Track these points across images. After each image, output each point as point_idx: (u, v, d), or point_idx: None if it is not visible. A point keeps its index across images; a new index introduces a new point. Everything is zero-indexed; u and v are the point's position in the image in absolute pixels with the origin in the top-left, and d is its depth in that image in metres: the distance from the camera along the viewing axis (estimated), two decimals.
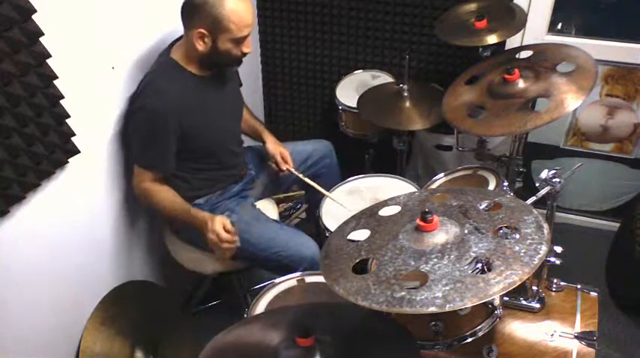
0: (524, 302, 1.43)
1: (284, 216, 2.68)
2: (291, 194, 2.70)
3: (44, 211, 1.55)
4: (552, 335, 1.37)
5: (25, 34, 1.34)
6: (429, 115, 2.12)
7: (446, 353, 1.32)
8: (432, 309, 0.95)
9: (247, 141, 2.13)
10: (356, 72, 2.63)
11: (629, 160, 2.46)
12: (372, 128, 2.36)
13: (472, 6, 2.07)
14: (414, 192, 1.37)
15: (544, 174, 1.32)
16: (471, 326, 1.23)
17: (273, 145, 2.09)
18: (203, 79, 1.77)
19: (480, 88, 1.74)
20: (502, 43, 2.17)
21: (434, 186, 1.98)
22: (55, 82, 1.46)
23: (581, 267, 2.00)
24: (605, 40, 2.24)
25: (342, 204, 1.93)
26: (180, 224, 1.90)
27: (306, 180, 2.09)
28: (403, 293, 0.99)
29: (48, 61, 1.42)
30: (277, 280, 1.66)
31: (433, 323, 1.20)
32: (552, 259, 1.37)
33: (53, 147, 1.49)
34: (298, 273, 1.69)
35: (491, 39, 1.88)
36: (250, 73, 2.76)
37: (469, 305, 0.95)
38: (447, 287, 0.97)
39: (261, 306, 1.58)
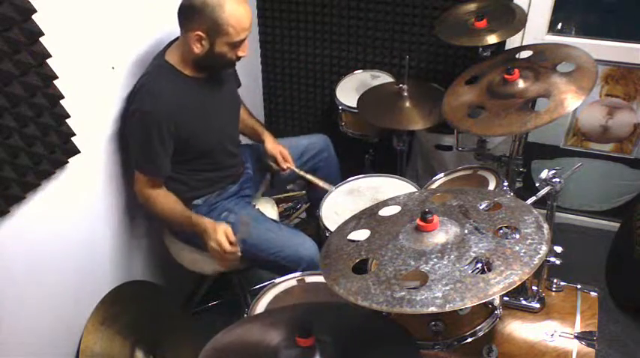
0: (524, 302, 1.43)
1: (284, 216, 2.68)
2: (291, 194, 2.70)
3: (44, 211, 1.55)
4: (552, 335, 1.37)
5: (25, 34, 1.34)
6: (429, 115, 2.12)
7: (446, 353, 1.32)
8: (432, 309, 0.95)
9: (244, 140, 2.13)
10: (356, 72, 2.63)
11: (629, 160, 2.46)
12: (372, 128, 2.36)
13: (472, 6, 2.07)
14: (414, 192, 1.37)
15: (544, 174, 1.32)
16: (471, 326, 1.23)
17: (272, 144, 2.09)
18: (198, 81, 1.77)
19: (480, 88, 1.74)
20: (502, 43, 2.17)
21: (434, 186, 1.98)
22: (55, 82, 1.46)
23: (581, 267, 2.00)
24: (605, 40, 2.24)
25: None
26: (182, 230, 1.91)
27: (308, 176, 2.09)
28: (403, 293, 0.99)
29: (48, 61, 1.42)
30: (277, 280, 1.66)
31: (433, 323, 1.20)
32: (552, 259, 1.37)
33: (53, 147, 1.49)
34: (298, 273, 1.69)
35: (491, 39, 1.88)
36: (250, 73, 2.76)
37: (469, 305, 0.95)
38: (447, 287, 0.97)
39: (261, 306, 1.58)
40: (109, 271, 1.90)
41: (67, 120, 1.52)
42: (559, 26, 2.31)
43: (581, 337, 1.35)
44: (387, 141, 2.39)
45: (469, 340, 1.22)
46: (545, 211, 1.33)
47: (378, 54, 2.60)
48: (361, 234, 1.23)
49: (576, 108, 2.03)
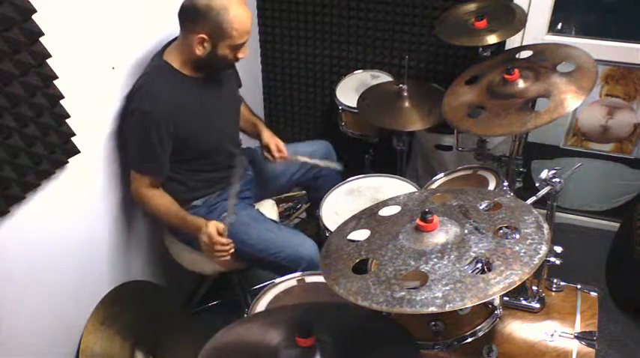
0: (524, 302, 1.43)
1: (284, 216, 2.68)
2: (291, 194, 2.70)
3: (44, 211, 1.55)
4: (552, 335, 1.37)
5: (25, 34, 1.34)
6: (429, 115, 2.12)
7: (446, 353, 1.32)
8: (432, 309, 0.95)
9: (245, 143, 2.13)
10: (356, 72, 2.63)
11: (629, 160, 2.46)
12: (372, 128, 2.36)
13: (472, 6, 2.07)
14: (414, 192, 1.37)
15: (544, 174, 1.32)
16: (471, 326, 1.23)
17: (268, 135, 2.08)
18: (197, 81, 1.77)
19: (480, 88, 1.74)
20: (502, 43, 2.17)
21: (434, 186, 1.98)
22: (55, 82, 1.46)
23: (581, 267, 2.00)
24: (605, 40, 2.24)
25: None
26: (178, 231, 1.91)
27: (304, 159, 2.08)
28: (403, 293, 0.99)
29: (48, 61, 1.42)
30: (277, 280, 1.66)
31: (433, 323, 1.20)
32: (552, 259, 1.37)
33: (53, 147, 1.49)
34: (298, 273, 1.69)
35: (491, 39, 1.88)
36: (250, 73, 2.76)
37: (469, 305, 0.95)
38: (447, 287, 0.97)
39: (261, 306, 1.58)
40: (108, 271, 1.90)
41: (67, 120, 1.52)
42: (559, 26, 2.31)
43: (581, 337, 1.35)
44: (387, 141, 2.39)
45: (469, 340, 1.22)
46: (545, 211, 1.33)
47: (378, 54, 2.60)
48: (361, 234, 1.23)
49: (576, 108, 2.03)
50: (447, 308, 0.94)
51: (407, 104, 2.19)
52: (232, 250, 1.75)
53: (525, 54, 1.82)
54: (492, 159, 1.94)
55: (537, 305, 1.43)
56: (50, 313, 1.65)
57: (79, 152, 1.59)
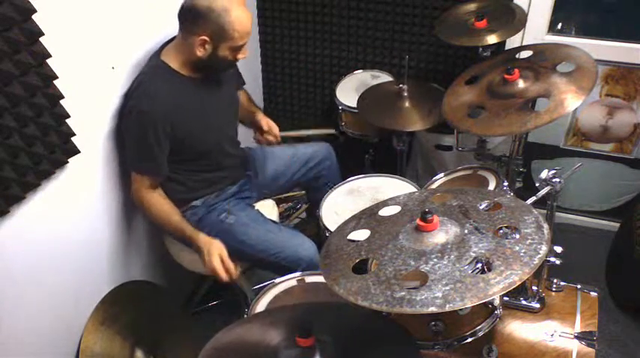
0: (524, 302, 1.43)
1: (284, 216, 2.68)
2: (291, 194, 2.69)
3: (44, 211, 1.55)
4: (552, 335, 1.37)
5: (25, 34, 1.34)
6: (429, 115, 2.12)
7: (446, 353, 1.32)
8: (432, 309, 0.95)
9: (244, 142, 2.13)
10: (356, 72, 2.63)
11: (629, 160, 2.46)
12: (372, 128, 2.36)
13: (472, 6, 2.07)
14: (414, 192, 1.37)
15: (544, 174, 1.32)
16: (471, 326, 1.23)
17: (261, 116, 2.09)
18: (195, 82, 1.77)
19: (480, 88, 1.74)
20: (502, 43, 2.17)
21: (434, 186, 1.98)
22: (55, 82, 1.46)
23: (581, 267, 2.00)
24: (605, 40, 2.24)
25: None
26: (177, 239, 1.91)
27: (294, 133, 2.08)
28: (403, 293, 0.99)
29: (48, 61, 1.42)
30: (277, 280, 1.66)
31: (433, 323, 1.20)
32: (552, 259, 1.37)
33: (53, 147, 1.49)
34: (298, 273, 1.69)
35: (491, 39, 1.88)
36: (250, 73, 2.76)
37: (469, 305, 0.95)
38: (447, 287, 0.97)
39: (261, 306, 1.58)
40: (108, 271, 1.90)
41: (67, 120, 1.52)
42: (559, 26, 2.31)
43: (581, 337, 1.35)
44: (387, 141, 2.39)
45: (469, 340, 1.22)
46: (545, 211, 1.33)
47: (378, 54, 2.60)
48: (361, 234, 1.23)
49: (576, 108, 2.03)
50: (447, 308, 0.94)
51: (407, 104, 2.19)
52: (235, 274, 1.77)
53: (525, 54, 1.82)
54: (492, 159, 1.94)
55: (537, 305, 1.43)
56: (50, 313, 1.65)
57: (79, 152, 1.59)
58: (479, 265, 1.07)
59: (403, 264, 1.06)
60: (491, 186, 1.86)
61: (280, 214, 2.51)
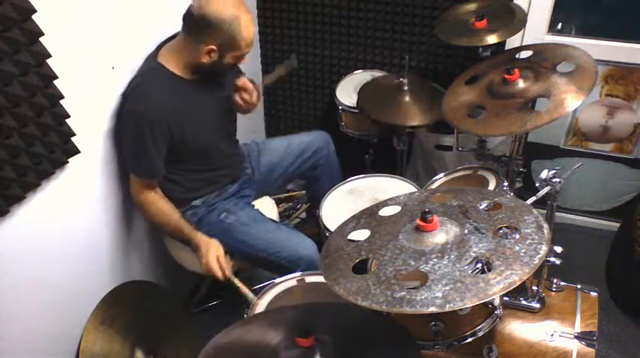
0: (524, 302, 1.43)
1: (284, 216, 2.68)
2: (291, 194, 2.70)
3: (44, 211, 1.55)
4: (552, 335, 1.37)
5: (25, 34, 1.33)
6: (429, 111, 2.12)
7: (446, 353, 1.32)
8: (432, 309, 0.95)
9: (242, 140, 2.13)
10: (356, 72, 2.63)
11: (629, 160, 2.46)
12: (372, 128, 2.36)
13: (472, 6, 2.07)
14: (414, 192, 1.37)
15: (544, 174, 1.32)
16: (471, 326, 1.23)
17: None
18: (192, 83, 1.77)
19: (480, 88, 1.74)
20: (502, 43, 2.17)
21: (434, 186, 1.98)
22: (55, 82, 1.46)
23: (581, 267, 2.00)
24: (605, 40, 2.24)
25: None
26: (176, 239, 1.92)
27: (267, 80, 2.03)
28: (403, 293, 0.99)
29: (48, 61, 1.42)
30: (277, 280, 1.67)
31: (433, 323, 1.20)
32: (552, 259, 1.37)
33: (53, 147, 1.49)
34: (298, 273, 1.69)
35: (491, 39, 1.88)
36: (250, 73, 2.75)
37: (469, 305, 0.95)
38: (447, 287, 0.97)
39: (261, 306, 1.58)
40: (108, 271, 1.90)
41: (67, 120, 1.52)
42: (559, 26, 2.31)
43: (581, 337, 1.35)
44: (387, 141, 2.39)
45: (469, 340, 1.22)
46: (545, 211, 1.33)
47: (378, 54, 2.60)
48: (361, 234, 1.23)
49: (576, 108, 2.03)
50: (447, 308, 0.94)
51: (407, 99, 2.18)
52: (229, 273, 1.78)
53: (525, 54, 1.82)
54: (492, 159, 1.94)
55: (537, 305, 1.43)
56: (50, 313, 1.65)
57: (79, 152, 1.59)
58: (479, 265, 1.07)
59: (403, 263, 1.06)
60: (491, 186, 1.86)
61: (280, 214, 2.51)
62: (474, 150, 1.95)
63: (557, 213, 1.39)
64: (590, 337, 1.35)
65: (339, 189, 2.04)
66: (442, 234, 1.11)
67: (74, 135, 1.55)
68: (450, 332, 1.22)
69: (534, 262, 0.99)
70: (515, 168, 1.91)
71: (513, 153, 1.88)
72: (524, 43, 2.28)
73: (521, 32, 2.11)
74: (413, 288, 1.00)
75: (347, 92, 2.45)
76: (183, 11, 1.68)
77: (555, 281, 1.49)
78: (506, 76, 1.64)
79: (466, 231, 1.11)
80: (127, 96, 1.73)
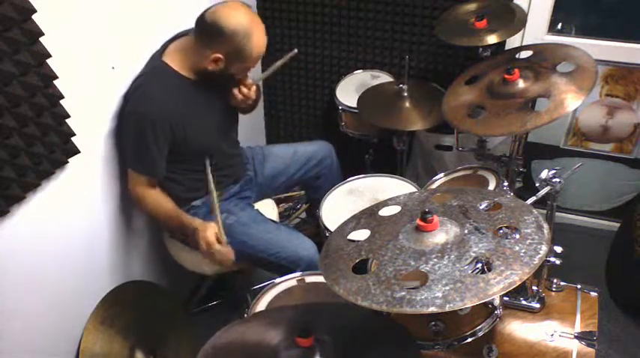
0: (524, 302, 1.43)
1: (284, 216, 2.68)
2: (291, 194, 2.70)
3: (44, 211, 1.55)
4: (552, 335, 1.37)
5: (25, 34, 1.33)
6: (429, 115, 2.12)
7: (446, 353, 1.32)
8: (432, 309, 0.95)
9: (243, 141, 2.13)
10: (356, 72, 2.63)
11: (629, 160, 2.46)
12: (372, 128, 2.36)
13: (472, 6, 2.07)
14: (414, 192, 1.37)
15: (544, 174, 1.32)
16: (471, 326, 1.23)
17: None
18: (196, 84, 1.76)
19: (480, 88, 1.74)
20: (502, 43, 2.17)
21: (434, 186, 1.98)
22: (55, 82, 1.46)
23: (581, 267, 2.00)
24: (605, 40, 2.24)
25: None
26: (175, 231, 1.91)
27: (265, 74, 2.02)
28: (403, 293, 0.99)
29: (48, 61, 1.42)
30: (277, 280, 1.66)
31: (433, 323, 1.20)
32: (552, 259, 1.37)
33: (53, 147, 1.49)
34: (298, 273, 1.69)
35: (491, 39, 1.88)
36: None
37: (469, 305, 0.95)
38: (447, 287, 0.97)
39: (261, 306, 1.58)
40: (108, 271, 1.90)
41: (67, 120, 1.52)
42: (559, 26, 2.31)
43: (581, 337, 1.35)
44: (387, 141, 2.39)
45: (469, 340, 1.22)
46: (545, 211, 1.33)
47: (378, 54, 2.60)
48: (361, 234, 1.23)
49: (576, 108, 2.03)
50: (447, 308, 0.94)
51: (407, 104, 2.19)
52: (231, 255, 1.76)
53: (525, 54, 1.82)
54: (492, 159, 1.94)
55: (537, 305, 1.43)
56: (50, 313, 1.65)
57: (79, 152, 1.59)
58: (479, 265, 1.07)
59: (403, 263, 1.06)
60: (491, 186, 1.86)
61: (280, 214, 2.51)
62: (474, 150, 1.95)
63: (557, 213, 1.39)
64: (590, 337, 1.35)
65: (339, 189, 2.04)
66: (442, 234, 1.11)
67: (74, 135, 1.55)
68: (450, 332, 1.22)
69: (534, 262, 0.99)
70: (515, 168, 1.91)
71: (513, 153, 1.88)
72: (524, 43, 2.28)
73: (521, 32, 2.11)
74: (413, 288, 1.00)
75: (347, 92, 2.45)
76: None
77: (555, 281, 1.49)
78: (506, 76, 1.64)
79: (466, 231, 1.11)
80: (129, 97, 1.73)
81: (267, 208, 2.14)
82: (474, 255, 1.04)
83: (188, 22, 1.73)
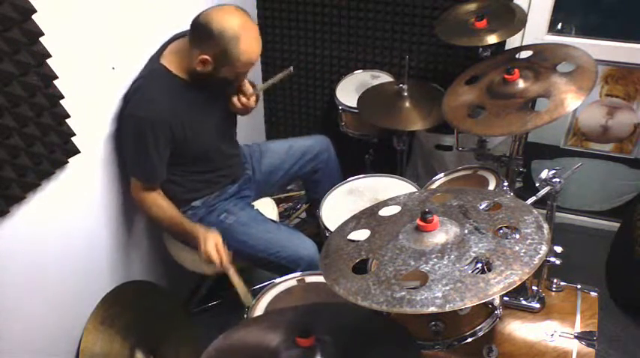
0: (524, 302, 1.43)
1: (284, 216, 2.68)
2: (291, 194, 2.70)
3: (44, 211, 1.55)
4: (552, 335, 1.37)
5: (25, 34, 1.33)
6: (429, 115, 2.12)
7: (446, 353, 1.32)
8: (432, 309, 0.95)
9: (242, 141, 2.13)
10: (356, 72, 2.63)
11: (629, 160, 2.46)
12: (372, 128, 2.36)
13: (472, 6, 2.07)
14: (414, 192, 1.37)
15: (544, 174, 1.32)
16: (471, 326, 1.23)
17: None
18: (193, 85, 1.76)
19: (480, 88, 1.74)
20: (502, 43, 2.17)
21: (434, 186, 1.98)
22: (55, 82, 1.46)
23: (581, 267, 2.00)
24: (605, 40, 2.24)
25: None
26: (177, 236, 1.92)
27: (265, 84, 2.02)
28: (403, 293, 0.99)
29: (48, 61, 1.42)
30: (277, 280, 1.67)
31: (433, 323, 1.20)
32: (552, 259, 1.37)
33: (53, 147, 1.49)
34: (298, 273, 1.69)
35: (491, 39, 1.88)
36: (250, 73, 2.75)
37: (469, 305, 0.95)
38: (447, 287, 0.97)
39: (261, 306, 1.58)
40: (108, 271, 1.90)
41: (67, 120, 1.52)
42: (559, 26, 2.31)
43: (581, 337, 1.35)
44: (387, 141, 2.39)
45: (469, 340, 1.23)
46: (545, 211, 1.33)
47: (378, 54, 2.60)
48: (361, 234, 1.23)
49: (576, 108, 2.03)
50: (447, 308, 0.94)
51: (407, 104, 2.19)
52: (230, 267, 1.75)
53: (525, 54, 1.82)
54: (492, 159, 1.94)
55: (537, 305, 1.43)
56: (50, 313, 1.65)
57: (79, 152, 1.59)
58: (479, 265, 1.07)
59: (403, 263, 1.06)
60: (491, 186, 1.86)
61: (280, 214, 2.51)
62: (474, 150, 1.95)
63: (557, 213, 1.39)
64: (590, 337, 1.35)
65: (339, 189, 2.04)
66: (442, 234, 1.11)
67: (74, 135, 1.55)
68: (450, 332, 1.22)
69: (534, 262, 0.99)
70: (515, 168, 1.91)
71: (513, 153, 1.88)
72: (524, 43, 2.28)
73: (521, 32, 2.11)
74: (413, 288, 1.00)
75: (347, 92, 2.45)
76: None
77: (555, 281, 1.49)
78: (506, 76, 1.64)
79: (466, 231, 1.11)
80: (128, 100, 1.73)
81: (267, 208, 2.14)
82: (474, 255, 1.04)
83: (188, 22, 1.73)
